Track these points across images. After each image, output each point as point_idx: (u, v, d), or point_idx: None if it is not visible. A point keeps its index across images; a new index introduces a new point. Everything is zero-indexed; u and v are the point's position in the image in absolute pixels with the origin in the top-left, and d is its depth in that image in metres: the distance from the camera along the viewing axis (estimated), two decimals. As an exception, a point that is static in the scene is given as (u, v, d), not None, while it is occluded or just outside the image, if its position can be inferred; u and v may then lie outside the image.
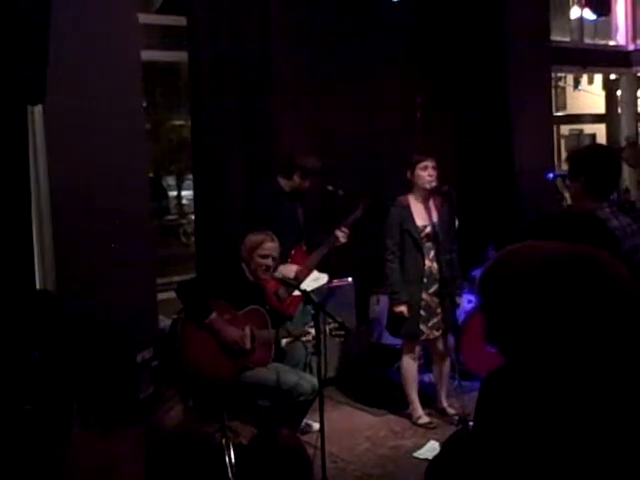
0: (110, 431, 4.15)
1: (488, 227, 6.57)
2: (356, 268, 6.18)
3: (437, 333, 5.13)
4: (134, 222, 5.14)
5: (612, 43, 9.35)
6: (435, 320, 5.10)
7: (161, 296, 5.52)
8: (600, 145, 5.76)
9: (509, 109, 7.35)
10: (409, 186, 5.13)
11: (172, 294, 4.55)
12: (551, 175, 6.63)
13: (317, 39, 6.27)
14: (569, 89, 17.31)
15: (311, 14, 6.22)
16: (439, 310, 5.09)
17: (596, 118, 14.64)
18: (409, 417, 5.25)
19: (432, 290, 5.09)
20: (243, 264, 4.59)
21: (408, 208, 5.09)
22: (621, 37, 9.25)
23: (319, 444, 3.90)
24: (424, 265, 5.06)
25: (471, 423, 4.57)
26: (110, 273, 4.80)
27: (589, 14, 8.73)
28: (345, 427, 5.17)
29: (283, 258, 4.91)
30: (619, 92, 10.25)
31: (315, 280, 5.27)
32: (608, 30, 9.35)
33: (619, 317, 1.32)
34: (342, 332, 4.29)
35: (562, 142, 16.88)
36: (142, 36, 5.40)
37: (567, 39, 9.06)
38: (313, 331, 4.42)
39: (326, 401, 4.16)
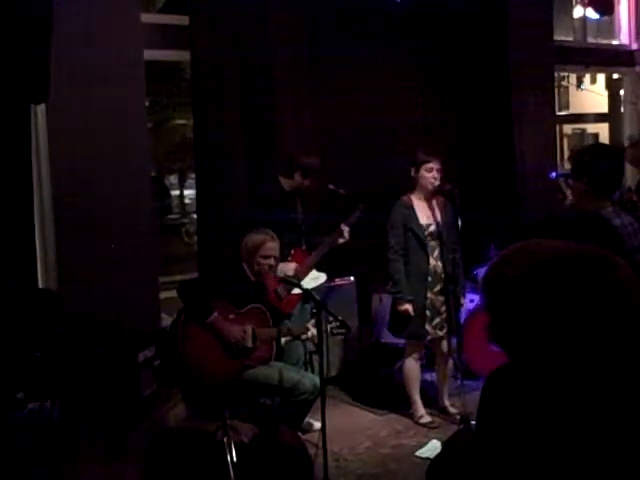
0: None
1: (490, 226, 6.56)
2: (358, 267, 6.17)
3: (441, 333, 5.11)
4: (136, 221, 5.15)
5: (615, 42, 9.32)
6: (439, 319, 5.08)
7: (163, 295, 5.53)
8: (603, 144, 5.75)
9: (511, 108, 7.34)
10: (412, 185, 5.13)
11: (174, 293, 4.55)
12: (554, 174, 6.62)
13: (318, 39, 6.27)
14: (572, 88, 17.29)
15: (312, 14, 6.22)
16: (443, 309, 5.07)
17: (599, 117, 14.63)
18: (411, 416, 5.24)
19: (437, 289, 5.08)
20: (244, 264, 4.58)
21: (411, 207, 5.08)
22: (624, 36, 9.22)
23: (320, 443, 3.90)
24: (428, 264, 5.05)
25: (473, 422, 4.57)
26: (112, 272, 4.80)
27: (592, 13, 8.70)
28: (347, 426, 5.17)
29: (282, 257, 4.91)
30: (622, 91, 10.23)
31: (314, 279, 5.25)
32: (611, 29, 9.32)
33: (624, 316, 1.32)
34: (343, 330, 4.28)
35: (565, 141, 16.89)
36: (144, 35, 5.41)
37: (570, 38, 9.03)
38: (312, 329, 4.43)
39: (328, 400, 4.15)
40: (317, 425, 4.56)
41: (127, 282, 4.86)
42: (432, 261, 5.06)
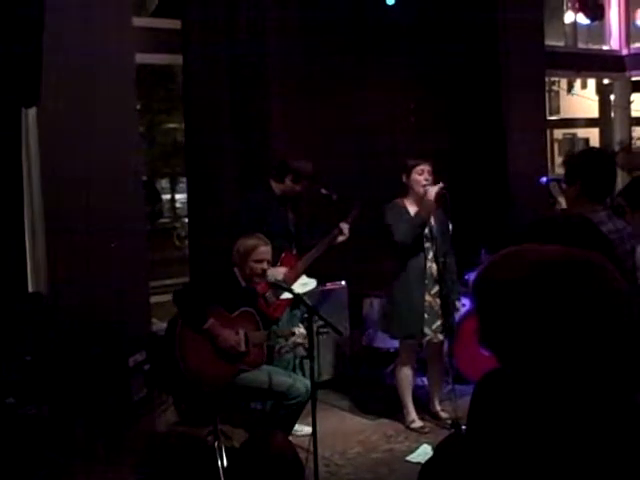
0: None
1: (481, 231, 6.58)
2: (349, 271, 6.17)
3: (441, 337, 5.10)
4: (127, 225, 5.13)
5: (606, 48, 9.38)
6: (438, 323, 5.07)
7: (154, 299, 5.52)
8: (596, 149, 5.74)
9: (503, 113, 7.37)
10: (404, 190, 5.13)
11: (165, 297, 4.54)
12: (544, 179, 6.63)
13: (312, 44, 6.27)
14: (563, 93, 17.38)
15: (306, 17, 6.22)
16: (440, 312, 5.07)
17: (589, 122, 14.68)
18: (402, 421, 5.23)
19: (433, 292, 5.07)
20: (236, 268, 4.56)
21: (406, 209, 5.08)
22: (615, 42, 9.28)
23: (311, 448, 3.89)
24: (425, 265, 5.06)
25: (464, 427, 4.57)
26: (103, 276, 4.79)
27: (583, 19, 8.75)
28: (338, 431, 5.17)
29: (272, 262, 4.89)
30: (612, 96, 10.28)
31: (303, 285, 5.23)
32: (602, 35, 9.37)
33: (613, 321, 1.32)
34: (327, 330, 4.27)
35: (555, 146, 16.95)
36: (136, 39, 5.40)
37: (561, 43, 9.08)
38: (298, 332, 4.44)
39: (319, 404, 4.15)
40: (308, 430, 4.55)
41: (118, 286, 4.85)
42: (428, 263, 5.06)
